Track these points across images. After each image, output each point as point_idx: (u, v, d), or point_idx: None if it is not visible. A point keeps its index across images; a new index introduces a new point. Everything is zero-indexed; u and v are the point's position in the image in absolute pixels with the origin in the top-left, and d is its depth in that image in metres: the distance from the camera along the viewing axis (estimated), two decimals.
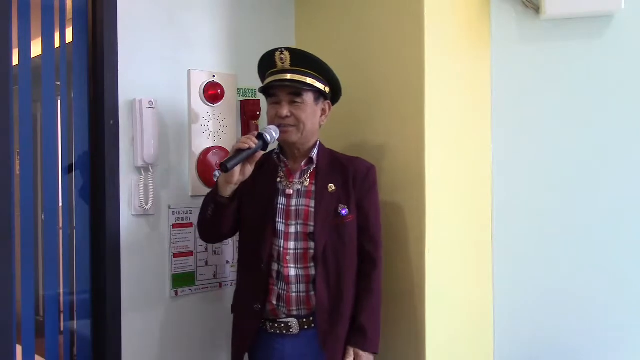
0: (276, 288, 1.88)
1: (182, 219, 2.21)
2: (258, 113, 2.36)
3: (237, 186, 1.83)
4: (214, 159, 2.25)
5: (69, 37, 2.05)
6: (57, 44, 2.03)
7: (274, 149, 1.99)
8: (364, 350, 1.84)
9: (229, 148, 2.31)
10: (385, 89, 2.15)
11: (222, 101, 2.30)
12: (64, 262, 2.07)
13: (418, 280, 2.00)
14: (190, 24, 2.25)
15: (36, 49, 1.98)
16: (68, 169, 2.07)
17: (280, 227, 1.89)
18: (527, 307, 2.22)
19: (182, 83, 2.23)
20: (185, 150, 2.23)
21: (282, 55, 1.88)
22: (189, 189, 2.23)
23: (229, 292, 2.32)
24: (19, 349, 1.93)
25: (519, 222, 2.23)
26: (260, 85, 1.96)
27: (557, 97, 2.21)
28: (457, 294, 2.12)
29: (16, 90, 1.91)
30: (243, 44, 2.39)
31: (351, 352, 1.84)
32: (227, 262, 2.33)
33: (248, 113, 2.35)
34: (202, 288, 2.26)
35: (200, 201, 2.24)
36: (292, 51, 1.88)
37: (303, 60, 1.88)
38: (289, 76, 1.87)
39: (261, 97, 2.39)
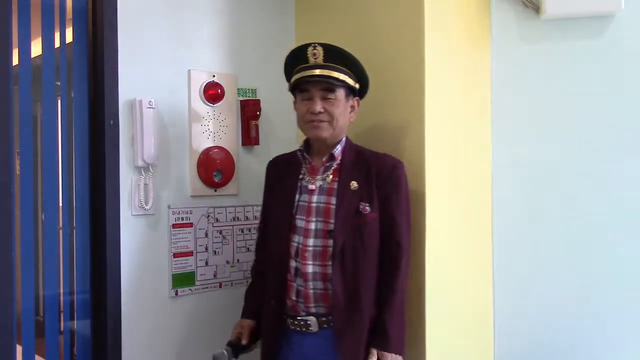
0: (295, 284, 1.86)
1: (182, 219, 2.21)
2: (258, 113, 2.36)
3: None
4: (214, 159, 2.25)
5: (69, 37, 2.05)
6: (57, 44, 2.03)
7: (299, 147, 1.96)
8: (386, 351, 1.78)
9: (229, 148, 2.31)
10: (385, 88, 2.14)
11: (222, 101, 2.30)
12: (64, 262, 2.08)
13: (418, 281, 2.00)
14: (190, 24, 2.25)
15: (36, 49, 1.98)
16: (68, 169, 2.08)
17: (300, 223, 1.86)
18: (527, 307, 2.22)
19: (182, 83, 2.23)
20: (185, 150, 2.23)
21: (315, 50, 1.84)
22: (189, 189, 2.23)
23: (229, 292, 2.32)
24: (19, 349, 1.93)
25: (518, 222, 2.23)
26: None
27: (557, 97, 2.21)
28: (457, 294, 2.11)
29: (16, 90, 1.91)
30: (243, 44, 2.39)
31: (374, 352, 1.78)
32: (227, 262, 2.33)
33: (248, 113, 2.36)
34: (202, 288, 2.26)
35: (200, 201, 2.26)
36: (326, 46, 1.84)
37: (336, 56, 1.84)
38: (320, 72, 1.83)
39: (262, 96, 2.41)
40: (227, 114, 2.33)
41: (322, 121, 1.84)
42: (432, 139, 2.03)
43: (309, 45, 1.86)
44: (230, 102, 2.34)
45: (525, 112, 2.23)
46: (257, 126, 2.37)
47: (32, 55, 1.97)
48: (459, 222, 2.13)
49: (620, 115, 2.16)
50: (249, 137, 2.36)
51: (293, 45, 2.51)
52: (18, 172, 1.99)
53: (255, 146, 2.40)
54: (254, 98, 2.40)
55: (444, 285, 2.06)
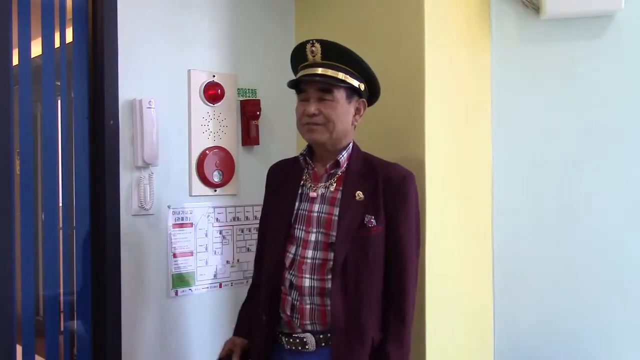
0: (290, 298, 1.71)
1: (182, 219, 2.21)
2: (258, 113, 2.36)
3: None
4: (214, 159, 2.26)
5: (69, 37, 2.05)
6: (57, 44, 2.03)
7: (301, 151, 1.82)
8: None
9: (229, 148, 2.31)
10: (385, 89, 2.14)
11: (222, 101, 2.30)
12: (64, 262, 2.07)
13: (418, 280, 1.99)
14: (190, 24, 2.25)
15: (36, 49, 1.98)
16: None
17: (300, 233, 1.72)
18: (527, 307, 2.22)
19: (182, 83, 2.23)
20: (185, 150, 2.23)
21: (313, 48, 1.71)
22: (189, 189, 2.23)
23: (229, 292, 2.32)
24: (19, 349, 1.92)
25: (519, 221, 2.23)
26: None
27: (557, 97, 2.21)
28: (457, 293, 2.12)
29: (16, 90, 1.91)
30: (243, 44, 2.39)
31: None
32: (227, 262, 2.33)
33: (248, 113, 2.36)
34: (202, 288, 2.26)
35: (200, 201, 2.26)
36: (324, 43, 1.71)
37: (336, 54, 1.70)
38: (319, 70, 1.69)
39: (262, 96, 2.41)
40: (227, 114, 2.33)
41: (317, 124, 1.70)
42: (432, 139, 2.03)
43: (307, 42, 1.74)
44: (230, 102, 2.34)
45: (525, 112, 2.23)
46: (257, 126, 2.37)
47: (32, 55, 1.97)
48: (459, 222, 2.13)
49: (620, 115, 2.16)
50: (249, 137, 2.36)
51: (293, 45, 2.51)
52: (18, 172, 1.99)
53: (255, 146, 2.40)
54: (254, 98, 2.40)
55: (444, 285, 2.06)
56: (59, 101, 2.07)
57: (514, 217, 2.23)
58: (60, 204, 2.07)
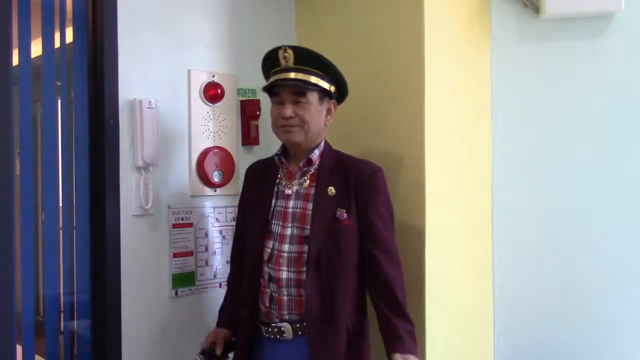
0: (268, 290, 1.82)
1: (182, 219, 2.21)
2: (258, 113, 2.36)
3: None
4: (214, 159, 2.26)
5: (69, 37, 2.06)
6: (57, 44, 2.04)
7: (276, 151, 1.93)
8: (409, 353, 1.70)
9: (229, 148, 2.31)
10: (385, 89, 2.15)
11: (222, 101, 2.30)
12: (64, 262, 2.08)
13: (418, 280, 2.00)
14: (190, 24, 2.25)
15: (36, 49, 1.98)
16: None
17: (276, 229, 1.83)
18: (527, 307, 2.22)
19: (182, 83, 2.23)
20: (185, 150, 2.23)
21: (285, 54, 1.82)
22: (189, 189, 2.23)
23: None
24: (19, 349, 1.93)
25: (519, 221, 2.23)
26: (264, 84, 1.90)
27: (557, 97, 2.21)
28: (457, 293, 2.12)
29: (16, 90, 1.91)
30: (243, 44, 2.39)
31: (397, 357, 1.69)
32: (227, 262, 2.32)
33: (248, 113, 2.36)
34: (202, 288, 2.26)
35: (200, 201, 2.26)
36: (296, 49, 1.83)
37: (307, 59, 1.81)
38: (292, 75, 1.80)
39: (262, 96, 2.40)
40: (227, 114, 2.33)
41: (293, 126, 1.80)
42: (432, 139, 2.03)
43: (279, 48, 1.84)
44: (230, 102, 2.34)
45: (525, 112, 2.23)
46: (257, 126, 2.37)
47: (32, 56, 1.97)
48: (459, 222, 2.13)
49: (620, 115, 2.16)
50: (249, 137, 2.36)
51: (294, 44, 2.52)
52: (18, 172, 1.99)
53: (255, 146, 2.40)
54: (254, 98, 2.40)
55: (444, 285, 2.06)
56: (59, 101, 2.07)
57: (514, 217, 2.23)
58: (60, 204, 2.07)
